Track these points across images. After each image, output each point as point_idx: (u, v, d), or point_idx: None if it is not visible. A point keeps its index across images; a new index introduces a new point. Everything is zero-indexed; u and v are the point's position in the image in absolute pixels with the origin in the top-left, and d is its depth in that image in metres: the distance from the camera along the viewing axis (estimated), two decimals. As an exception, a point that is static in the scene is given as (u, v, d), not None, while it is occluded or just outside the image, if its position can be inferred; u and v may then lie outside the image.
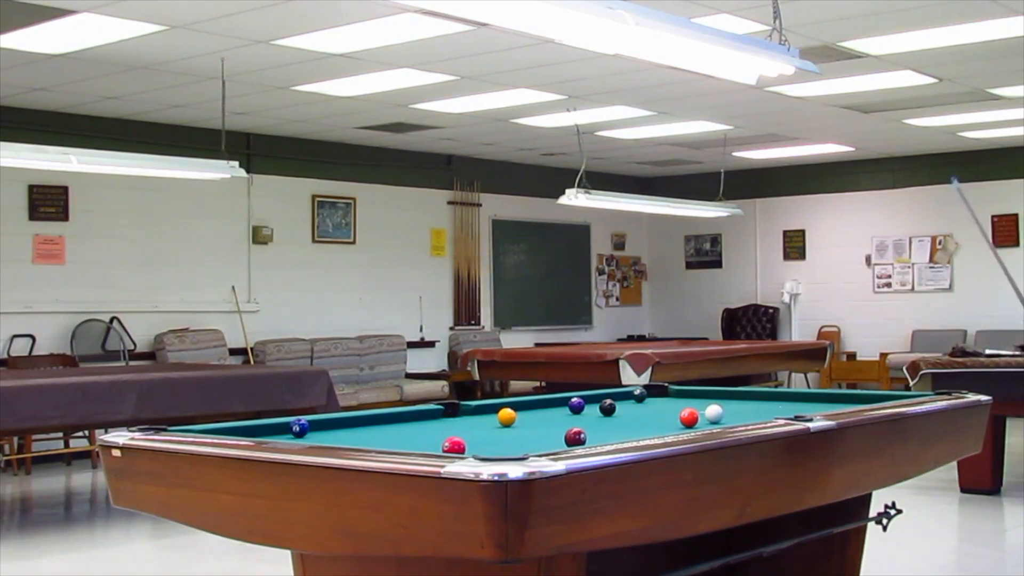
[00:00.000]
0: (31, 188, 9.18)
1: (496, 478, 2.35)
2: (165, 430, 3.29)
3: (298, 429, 3.53)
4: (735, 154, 12.13)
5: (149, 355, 9.74)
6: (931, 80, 8.51)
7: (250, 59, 7.51)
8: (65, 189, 9.34)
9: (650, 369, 7.92)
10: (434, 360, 12.06)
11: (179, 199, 9.99)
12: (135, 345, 9.70)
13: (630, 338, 13.99)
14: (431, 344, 12.07)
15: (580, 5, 3.54)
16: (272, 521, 2.84)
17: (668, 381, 5.38)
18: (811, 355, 10.65)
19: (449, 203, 12.40)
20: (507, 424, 3.79)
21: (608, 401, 4.14)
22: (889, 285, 13.05)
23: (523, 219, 13.16)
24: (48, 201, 9.29)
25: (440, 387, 10.90)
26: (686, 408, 3.70)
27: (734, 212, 11.78)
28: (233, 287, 10.45)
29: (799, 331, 13.51)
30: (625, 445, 2.79)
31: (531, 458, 2.46)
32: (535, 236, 13.36)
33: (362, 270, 11.50)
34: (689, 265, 14.68)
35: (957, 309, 12.50)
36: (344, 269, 11.36)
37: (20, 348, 9.12)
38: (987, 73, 8.32)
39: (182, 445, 3.13)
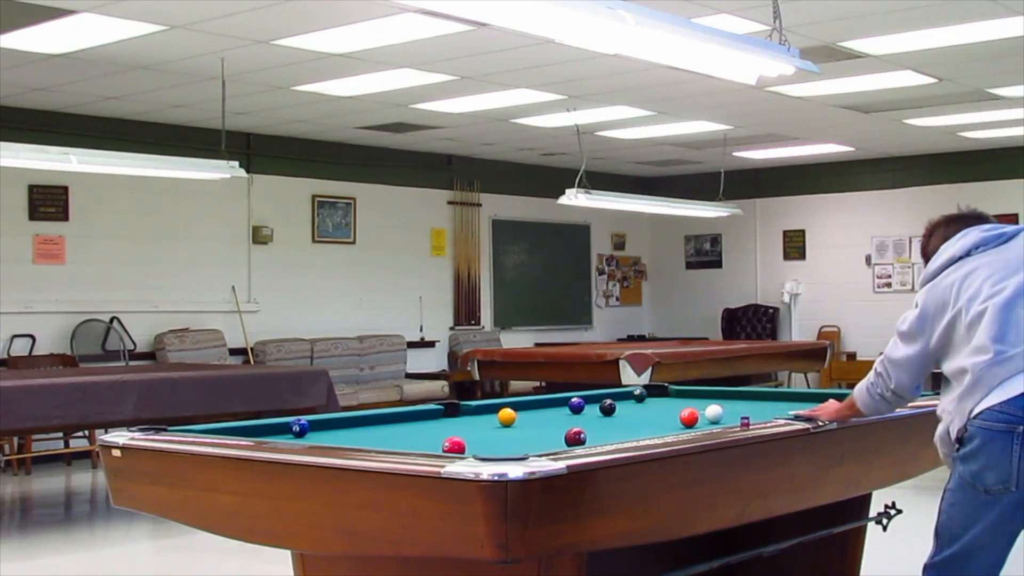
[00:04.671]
0: (31, 188, 9.18)
1: (496, 478, 2.36)
2: (165, 430, 3.30)
3: (298, 429, 3.54)
4: (735, 154, 12.12)
5: (149, 355, 9.73)
6: (931, 80, 8.50)
7: (250, 59, 7.51)
8: (65, 189, 9.34)
9: (650, 369, 7.92)
10: (434, 360, 12.05)
11: (179, 199, 9.98)
12: (135, 345, 9.69)
13: (630, 338, 13.98)
14: (431, 344, 12.07)
15: (580, 5, 3.54)
16: (272, 521, 2.84)
17: (668, 381, 5.38)
18: (811, 355, 10.65)
19: (449, 203, 12.40)
20: (507, 424, 3.80)
21: (608, 401, 4.15)
22: (889, 285, 13.05)
23: (523, 219, 13.15)
24: (48, 201, 9.29)
25: (440, 387, 10.90)
26: (686, 408, 3.71)
27: (734, 212, 11.77)
28: (233, 287, 10.45)
29: (799, 331, 13.50)
30: (625, 445, 2.80)
31: (531, 458, 2.46)
32: (535, 236, 13.35)
33: (362, 270, 11.50)
34: (689, 265, 14.67)
35: (957, 309, 12.47)
36: (344, 269, 11.35)
37: (20, 348, 9.11)
38: (987, 73, 8.31)
39: (182, 445, 3.13)
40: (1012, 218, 12.16)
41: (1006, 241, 3.15)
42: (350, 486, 2.62)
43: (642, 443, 2.83)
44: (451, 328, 12.31)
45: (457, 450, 2.86)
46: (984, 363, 2.90)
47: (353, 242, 11.46)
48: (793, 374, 12.11)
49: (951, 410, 3.00)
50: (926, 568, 2.99)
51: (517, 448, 2.57)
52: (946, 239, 3.25)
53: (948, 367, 3.06)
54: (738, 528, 3.33)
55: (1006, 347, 2.90)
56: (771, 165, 13.33)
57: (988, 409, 2.87)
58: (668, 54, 4.31)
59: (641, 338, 14.08)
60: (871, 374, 3.24)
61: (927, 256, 3.27)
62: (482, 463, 2.42)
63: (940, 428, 3.06)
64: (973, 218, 3.28)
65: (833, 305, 13.39)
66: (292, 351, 10.47)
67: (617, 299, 14.56)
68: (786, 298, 13.64)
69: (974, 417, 2.90)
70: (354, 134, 10.74)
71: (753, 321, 13.86)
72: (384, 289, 11.68)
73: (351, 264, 11.41)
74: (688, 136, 11.13)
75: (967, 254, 3.12)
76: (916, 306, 3.15)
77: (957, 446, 2.94)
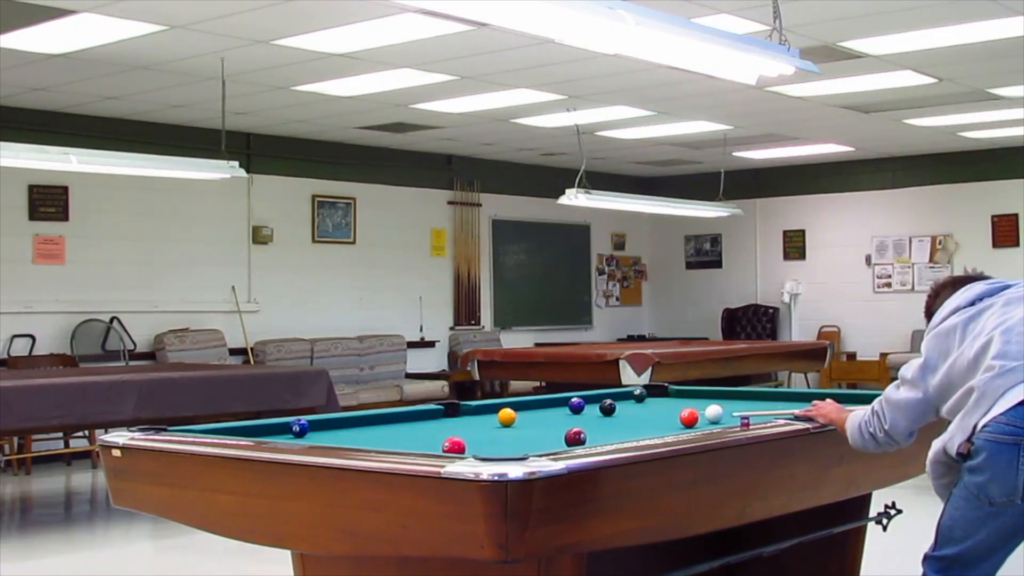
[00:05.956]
0: (31, 188, 9.18)
1: (496, 478, 2.36)
2: (165, 430, 3.30)
3: (298, 429, 3.54)
4: (735, 154, 12.12)
5: (149, 355, 9.73)
6: (931, 80, 8.50)
7: (250, 59, 7.51)
8: (65, 189, 9.34)
9: (650, 369, 7.91)
10: (434, 360, 12.05)
11: (179, 199, 9.98)
12: (135, 345, 9.69)
13: (630, 338, 13.97)
14: (431, 344, 12.07)
15: (580, 5, 3.54)
16: (272, 521, 2.84)
17: (668, 381, 5.38)
18: (811, 355, 10.64)
19: (449, 203, 12.40)
20: (507, 424, 3.80)
21: (608, 401, 4.15)
22: (889, 285, 13.05)
23: (523, 219, 13.15)
24: (48, 201, 9.29)
25: (440, 387, 10.89)
26: (686, 408, 3.71)
27: (734, 212, 11.77)
28: (233, 287, 10.45)
29: (799, 331, 13.50)
30: (625, 445, 2.80)
31: (531, 458, 2.46)
32: (535, 236, 13.35)
33: (362, 270, 11.50)
34: (689, 265, 14.67)
35: (957, 309, 12.46)
36: (344, 269, 11.35)
37: (20, 348, 9.11)
38: (987, 73, 8.31)
39: (182, 445, 3.13)
40: (1012, 218, 12.18)
41: (1009, 288, 3.22)
42: (350, 486, 2.62)
43: (642, 443, 2.83)
44: (451, 328, 12.31)
45: (457, 450, 2.86)
46: (989, 377, 2.93)
47: (353, 242, 11.46)
48: (793, 374, 12.10)
49: (952, 429, 3.02)
50: (926, 558, 3.02)
51: (517, 448, 2.57)
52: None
53: (949, 405, 3.06)
54: (738, 528, 3.33)
55: (1008, 361, 2.93)
56: (771, 165, 13.33)
57: (993, 420, 2.89)
58: (668, 54, 4.31)
59: (641, 338, 14.07)
60: (867, 411, 3.23)
61: (930, 315, 3.30)
62: (482, 463, 2.42)
63: (935, 448, 3.05)
64: (978, 279, 3.32)
65: (833, 305, 13.38)
66: (292, 351, 10.47)
67: (617, 299, 14.56)
68: (786, 298, 13.64)
69: (981, 430, 2.91)
70: (354, 134, 10.74)
71: (753, 321, 13.86)
72: (384, 289, 11.68)
73: (351, 264, 11.41)
74: (688, 136, 11.13)
75: (971, 303, 3.16)
76: (921, 354, 3.17)
77: (961, 460, 2.95)
